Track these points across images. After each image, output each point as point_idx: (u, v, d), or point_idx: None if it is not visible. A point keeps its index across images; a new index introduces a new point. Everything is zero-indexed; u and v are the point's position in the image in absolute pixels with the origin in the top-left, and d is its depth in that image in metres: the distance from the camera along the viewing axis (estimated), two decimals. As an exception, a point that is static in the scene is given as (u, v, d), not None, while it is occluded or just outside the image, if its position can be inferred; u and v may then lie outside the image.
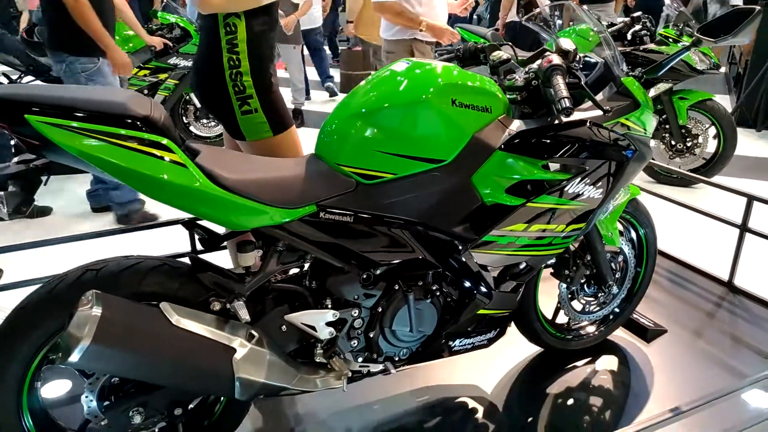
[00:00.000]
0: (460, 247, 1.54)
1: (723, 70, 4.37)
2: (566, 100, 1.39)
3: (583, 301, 2.03)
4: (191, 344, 1.28)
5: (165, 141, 1.22)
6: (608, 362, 2.08)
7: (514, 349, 2.07)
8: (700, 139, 3.96)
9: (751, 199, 2.43)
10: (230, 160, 1.38)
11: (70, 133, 1.15)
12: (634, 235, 2.06)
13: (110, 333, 1.17)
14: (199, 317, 1.32)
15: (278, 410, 1.83)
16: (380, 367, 1.61)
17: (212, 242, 1.56)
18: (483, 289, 1.61)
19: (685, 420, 1.27)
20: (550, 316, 2.04)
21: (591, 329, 2.10)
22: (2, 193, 1.16)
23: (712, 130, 3.95)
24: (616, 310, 2.10)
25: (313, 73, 7.04)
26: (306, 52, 6.70)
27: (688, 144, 3.99)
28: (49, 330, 1.32)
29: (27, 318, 1.30)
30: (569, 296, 1.99)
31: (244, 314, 1.35)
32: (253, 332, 1.38)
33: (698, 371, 2.04)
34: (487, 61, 1.79)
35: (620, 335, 2.20)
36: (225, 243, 1.71)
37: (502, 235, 1.56)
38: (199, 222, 1.59)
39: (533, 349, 2.09)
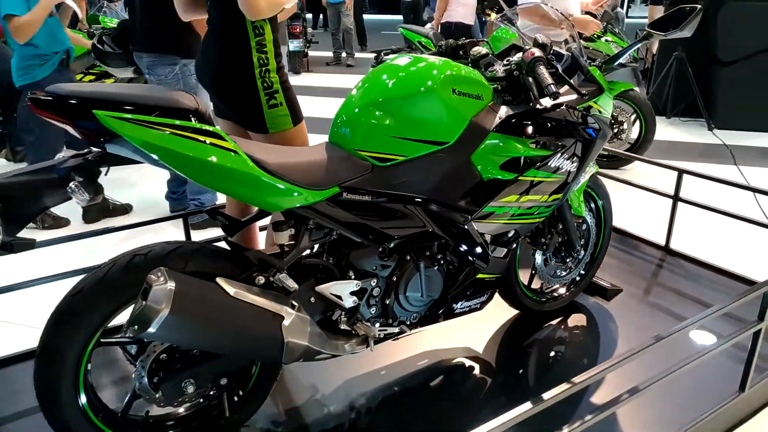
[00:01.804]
0: (464, 219, 1.75)
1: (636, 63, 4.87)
2: (552, 86, 1.63)
3: (555, 266, 2.29)
4: (248, 314, 1.42)
5: (216, 130, 1.36)
6: (577, 319, 2.36)
7: (497, 314, 2.31)
8: (625, 126, 4.41)
9: (681, 172, 2.80)
10: (261, 149, 1.52)
11: (135, 125, 1.26)
12: (593, 205, 2.36)
13: (184, 305, 1.29)
14: (250, 290, 1.46)
15: (284, 380, 1.97)
16: (396, 330, 1.80)
17: (233, 228, 1.69)
18: (481, 255, 1.83)
19: (642, 357, 1.49)
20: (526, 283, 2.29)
21: (562, 291, 2.38)
22: (73, 183, 1.25)
23: (634, 118, 4.41)
24: (582, 272, 2.38)
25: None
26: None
27: (615, 130, 4.42)
28: (105, 311, 1.41)
29: (84, 301, 1.39)
30: (543, 262, 2.25)
31: (292, 283, 1.50)
32: (294, 302, 1.53)
33: (650, 320, 2.37)
34: (468, 56, 2.01)
35: (584, 297, 2.49)
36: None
37: (499, 206, 1.78)
38: (221, 210, 1.72)
39: (512, 313, 2.34)
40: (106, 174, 1.35)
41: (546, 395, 1.32)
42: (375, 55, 4.92)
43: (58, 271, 2.15)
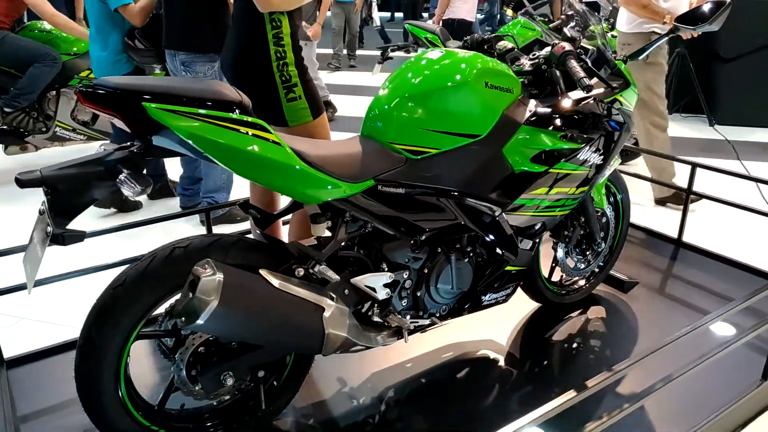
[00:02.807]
0: (496, 211, 1.77)
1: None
2: (585, 79, 1.65)
3: (576, 259, 2.31)
4: (291, 305, 1.43)
5: (260, 122, 1.36)
6: (596, 311, 2.39)
7: (518, 308, 2.33)
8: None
9: (694, 165, 2.83)
10: (299, 141, 1.53)
11: (183, 117, 1.27)
12: (612, 199, 2.38)
13: (232, 296, 1.30)
14: (291, 281, 1.47)
15: (311, 373, 1.97)
16: (427, 321, 1.81)
17: (265, 221, 1.70)
18: (511, 247, 1.85)
19: (663, 351, 1.51)
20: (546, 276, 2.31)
21: (581, 283, 2.40)
22: (123, 175, 1.25)
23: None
24: (601, 264, 2.41)
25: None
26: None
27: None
28: (146, 304, 1.42)
29: (126, 294, 1.40)
30: (565, 255, 2.28)
31: (333, 274, 1.51)
32: (333, 294, 1.54)
33: (667, 312, 2.40)
34: (494, 51, 2.02)
35: (602, 289, 2.52)
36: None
37: (530, 198, 1.80)
38: (252, 204, 1.73)
39: (533, 306, 2.37)
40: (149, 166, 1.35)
41: (590, 383, 1.34)
42: (381, 51, 4.93)
43: (73, 268, 2.15)
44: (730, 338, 1.81)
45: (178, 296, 1.47)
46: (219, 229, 3.24)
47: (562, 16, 3.80)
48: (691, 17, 1.83)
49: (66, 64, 4.15)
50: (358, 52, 9.55)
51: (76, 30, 4.10)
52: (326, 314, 1.48)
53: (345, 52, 9.29)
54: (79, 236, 1.26)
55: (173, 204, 3.67)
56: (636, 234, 3.04)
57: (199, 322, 1.27)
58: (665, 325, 2.29)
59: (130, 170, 1.28)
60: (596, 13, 2.24)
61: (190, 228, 3.32)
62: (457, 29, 5.75)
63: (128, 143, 1.36)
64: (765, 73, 5.69)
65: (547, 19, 4.16)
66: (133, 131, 1.30)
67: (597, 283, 2.45)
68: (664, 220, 3.15)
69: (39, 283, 2.05)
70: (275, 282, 1.42)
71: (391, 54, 4.90)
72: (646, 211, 3.60)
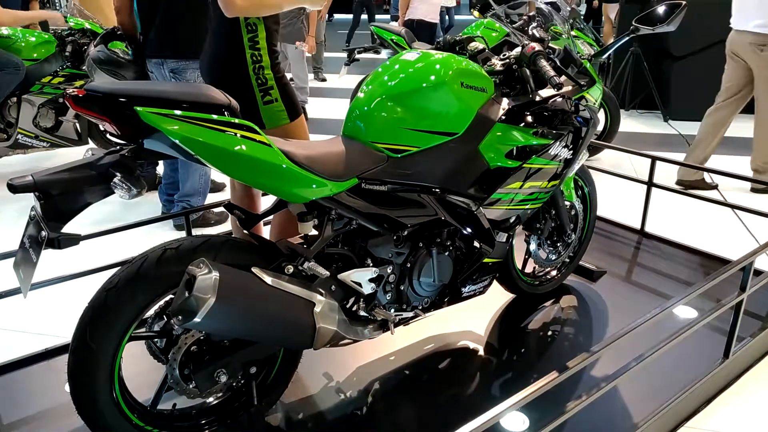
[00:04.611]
0: (473, 206, 1.84)
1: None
2: (555, 77, 1.74)
3: (547, 251, 2.41)
4: (284, 301, 1.47)
5: (249, 124, 1.40)
6: (568, 300, 2.49)
7: (494, 299, 2.41)
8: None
9: (654, 159, 2.97)
10: (285, 142, 1.57)
11: (174, 120, 1.30)
12: (580, 192, 2.49)
13: (228, 294, 1.34)
14: (282, 278, 1.51)
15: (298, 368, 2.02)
16: (411, 314, 1.87)
17: (249, 221, 1.74)
18: (488, 240, 1.93)
19: (632, 335, 1.62)
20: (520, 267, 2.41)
21: (553, 274, 2.50)
22: (117, 179, 1.28)
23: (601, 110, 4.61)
24: (571, 255, 2.51)
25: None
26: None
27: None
28: (139, 305, 1.44)
29: (119, 296, 1.42)
30: (537, 247, 2.37)
31: (322, 270, 1.55)
32: (321, 289, 1.59)
33: (634, 298, 2.52)
34: (465, 51, 2.10)
35: (572, 279, 2.63)
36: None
37: (505, 192, 1.89)
38: (236, 204, 1.76)
39: (508, 298, 2.46)
40: (141, 170, 1.38)
41: (570, 363, 1.42)
42: (348, 53, 4.98)
43: (50, 276, 2.14)
44: (693, 320, 1.92)
45: (168, 297, 1.51)
46: (196, 233, 3.23)
47: (525, 17, 3.92)
48: (649, 18, 1.94)
49: (28, 70, 4.07)
50: (325, 54, 9.50)
51: (33, 17, 4.02)
52: (317, 309, 1.53)
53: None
54: (75, 239, 1.28)
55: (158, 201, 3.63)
56: (602, 225, 3.18)
57: (197, 319, 1.30)
58: (633, 310, 2.41)
59: (123, 173, 1.30)
60: (561, 14, 2.34)
61: (165, 233, 3.31)
62: (417, 30, 5.82)
63: (118, 147, 1.39)
64: (714, 70, 5.93)
65: (509, 20, 4.30)
66: (124, 135, 1.32)
67: (568, 273, 2.56)
68: (626, 212, 3.29)
69: (8, 293, 2.04)
70: (268, 279, 1.46)
71: (358, 56, 4.98)
72: (608, 202, 3.75)
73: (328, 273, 1.57)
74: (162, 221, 3.50)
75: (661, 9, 1.90)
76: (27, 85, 4.12)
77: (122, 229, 2.30)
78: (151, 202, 3.65)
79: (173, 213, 2.43)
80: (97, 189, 1.32)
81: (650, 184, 3.02)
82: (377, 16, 12.03)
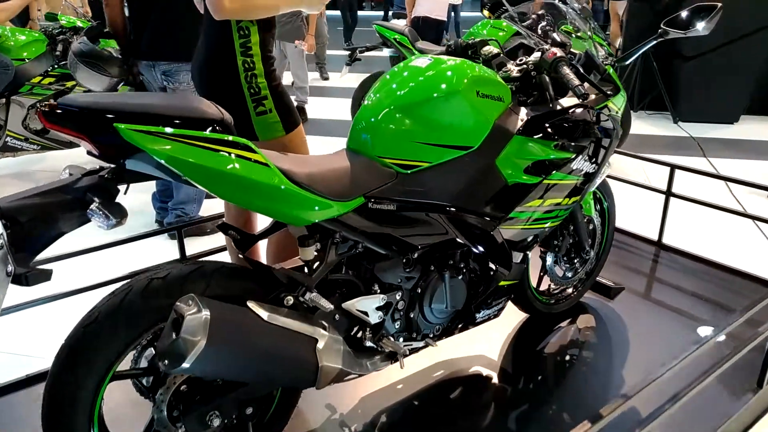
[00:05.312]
0: (490, 226, 1.69)
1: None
2: (581, 87, 1.59)
3: (564, 267, 2.26)
4: (283, 339, 1.32)
5: (245, 142, 1.25)
6: (585, 320, 2.34)
7: (507, 320, 2.26)
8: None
9: (673, 167, 2.82)
10: (284, 158, 1.42)
11: (160, 139, 1.14)
12: (598, 206, 2.34)
13: (221, 335, 1.19)
14: (281, 312, 1.36)
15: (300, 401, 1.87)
16: (421, 344, 1.72)
17: (245, 243, 1.59)
18: (505, 261, 1.78)
19: (671, 373, 1.47)
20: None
21: (569, 292, 2.35)
22: (95, 205, 1.12)
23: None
24: (588, 271, 2.36)
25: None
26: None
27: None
28: (122, 342, 1.29)
29: (99, 332, 1.27)
30: (553, 264, 2.22)
31: (325, 303, 1.40)
32: (324, 322, 1.44)
33: (655, 317, 2.37)
34: (478, 56, 1.94)
35: (588, 296, 2.48)
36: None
37: (523, 211, 1.73)
38: (231, 225, 1.61)
39: (522, 318, 2.31)
40: (125, 193, 1.23)
41: (604, 411, 1.28)
42: (349, 53, 4.82)
43: (43, 294, 1.98)
44: (728, 353, 1.77)
45: (156, 329, 1.35)
46: (189, 242, 3.09)
47: (533, 15, 3.77)
48: (680, 21, 1.79)
49: (17, 70, 3.91)
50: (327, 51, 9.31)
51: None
52: (319, 346, 1.38)
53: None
54: (45, 275, 1.12)
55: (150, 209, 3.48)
56: (617, 236, 3.02)
57: (186, 365, 1.15)
58: (654, 332, 2.26)
59: (101, 199, 1.15)
60: (583, 14, 2.19)
61: (159, 241, 3.16)
62: (422, 28, 5.65)
63: (98, 168, 1.23)
64: (725, 70, 5.80)
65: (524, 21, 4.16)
66: (103, 155, 1.17)
67: (584, 290, 2.41)
68: (641, 222, 3.14)
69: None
70: (264, 314, 1.31)
71: (359, 56, 4.82)
72: (622, 212, 3.59)
73: (331, 306, 1.42)
74: (154, 227, 3.40)
75: (693, 11, 1.75)
76: (16, 85, 3.97)
77: (111, 246, 2.15)
78: (144, 211, 3.49)
79: (165, 228, 2.27)
80: (73, 216, 1.16)
81: (669, 193, 2.87)
82: (365, 13, 11.70)
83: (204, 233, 3.26)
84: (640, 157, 3.01)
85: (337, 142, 5.15)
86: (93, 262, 2.40)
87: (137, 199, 3.42)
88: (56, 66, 4.08)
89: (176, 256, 2.29)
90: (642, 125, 5.87)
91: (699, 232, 3.37)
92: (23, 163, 4.49)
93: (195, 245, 3.09)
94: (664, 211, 2.89)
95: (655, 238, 2.95)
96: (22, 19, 5.38)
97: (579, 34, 3.45)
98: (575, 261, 2.26)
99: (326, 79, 8.28)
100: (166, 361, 1.17)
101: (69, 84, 4.16)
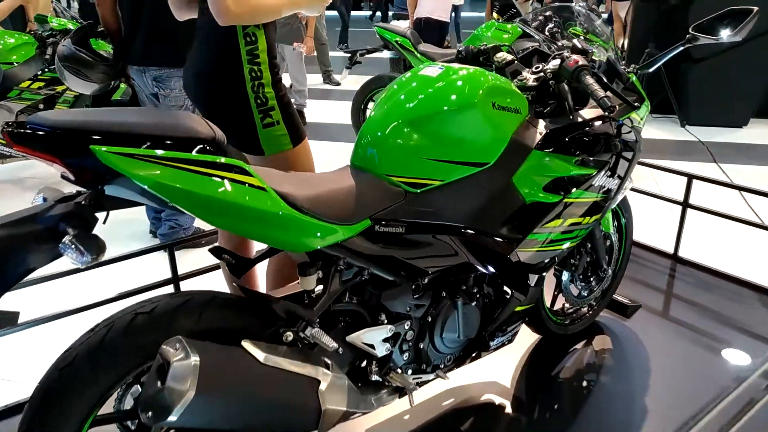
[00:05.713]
0: (507, 248, 1.56)
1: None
2: (607, 98, 1.45)
3: (579, 286, 2.13)
4: (282, 383, 1.19)
5: (240, 163, 1.12)
6: (602, 341, 2.21)
7: (520, 342, 2.13)
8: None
9: (690, 177, 2.69)
10: (283, 179, 1.29)
11: (144, 163, 1.01)
12: (616, 222, 2.21)
13: (211, 383, 1.06)
14: (279, 351, 1.22)
15: None
16: (431, 377, 1.60)
17: (241, 267, 1.45)
18: (521, 286, 1.65)
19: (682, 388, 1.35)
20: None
21: (584, 311, 2.22)
22: (68, 238, 0.99)
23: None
24: (603, 289, 2.23)
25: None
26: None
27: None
28: (104, 385, 1.15)
29: (77, 376, 1.13)
30: (569, 283, 2.09)
31: (328, 340, 1.27)
32: (326, 359, 1.31)
33: (674, 336, 2.25)
34: (491, 63, 1.81)
35: (604, 315, 2.35)
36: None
37: (541, 232, 1.60)
38: (225, 249, 1.47)
39: (535, 339, 2.18)
40: (104, 222, 1.09)
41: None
42: (349, 55, 4.69)
43: (28, 318, 1.85)
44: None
45: (143, 367, 1.22)
46: (183, 255, 2.95)
47: (540, 17, 3.62)
48: (711, 26, 1.66)
49: (5, 74, 3.78)
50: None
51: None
52: (322, 387, 1.25)
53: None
54: (11, 319, 0.99)
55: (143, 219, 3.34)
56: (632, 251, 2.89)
57: (172, 418, 1.02)
58: (674, 354, 2.13)
59: (76, 230, 1.01)
60: (599, 18, 2.06)
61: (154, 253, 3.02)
62: (423, 29, 5.51)
63: (75, 192, 1.10)
64: (733, 73, 5.68)
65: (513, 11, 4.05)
66: (78, 180, 1.04)
67: (600, 310, 2.28)
68: (655, 233, 3.02)
69: None
70: (261, 356, 1.17)
71: (360, 58, 4.69)
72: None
73: (335, 345, 1.28)
74: (148, 238, 3.26)
75: (724, 15, 1.62)
76: (4, 90, 3.83)
77: (100, 265, 2.01)
78: (138, 221, 3.35)
79: (155, 246, 2.13)
80: (45, 249, 1.03)
81: (686, 204, 2.74)
82: (359, 13, 11.53)
83: (199, 245, 3.13)
84: (656, 167, 2.88)
85: (337, 147, 5.02)
86: (81, 275, 2.28)
87: (131, 208, 3.27)
88: (46, 70, 3.94)
89: (168, 272, 2.16)
90: (649, 129, 5.73)
91: (715, 244, 3.24)
92: (13, 170, 4.35)
93: (189, 259, 2.96)
94: (681, 223, 2.76)
95: (671, 250, 2.82)
96: (21, 22, 5.23)
97: (589, 36, 3.33)
98: (592, 279, 2.13)
99: (338, 84, 7.70)
100: (150, 414, 1.04)
101: (59, 88, 4.02)
